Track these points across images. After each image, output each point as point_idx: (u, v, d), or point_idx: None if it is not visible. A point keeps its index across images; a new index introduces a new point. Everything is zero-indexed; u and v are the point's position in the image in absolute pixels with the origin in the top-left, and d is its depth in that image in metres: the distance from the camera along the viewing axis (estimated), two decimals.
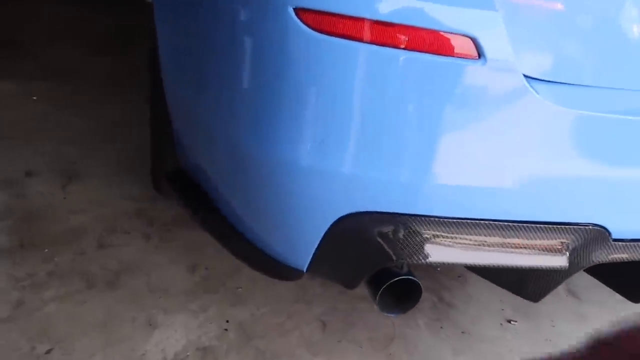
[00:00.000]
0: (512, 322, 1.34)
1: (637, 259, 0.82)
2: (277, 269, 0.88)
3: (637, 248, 0.81)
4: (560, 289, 1.51)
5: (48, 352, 1.08)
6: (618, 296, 1.40)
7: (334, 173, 0.71)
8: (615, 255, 0.81)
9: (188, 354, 1.12)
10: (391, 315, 0.87)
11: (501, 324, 1.33)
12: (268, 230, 0.86)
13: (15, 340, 1.09)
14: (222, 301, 1.27)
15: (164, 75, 1.04)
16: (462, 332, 1.29)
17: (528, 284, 0.86)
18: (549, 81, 0.68)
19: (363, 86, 0.66)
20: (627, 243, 0.80)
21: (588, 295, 1.49)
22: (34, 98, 2.49)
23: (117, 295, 1.25)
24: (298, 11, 0.64)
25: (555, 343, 1.29)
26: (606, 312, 1.43)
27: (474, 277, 1.50)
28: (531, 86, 0.66)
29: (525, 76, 0.66)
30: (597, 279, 1.15)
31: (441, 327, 1.29)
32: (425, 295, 1.38)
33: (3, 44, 3.42)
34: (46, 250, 1.38)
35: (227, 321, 1.22)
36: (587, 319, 1.40)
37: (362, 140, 0.69)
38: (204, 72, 0.84)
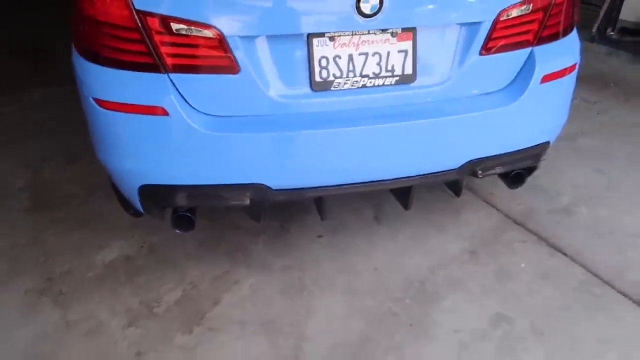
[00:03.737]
0: (319, 237, 2.13)
1: (292, 198, 1.62)
2: (135, 211, 1.76)
3: (290, 193, 1.59)
4: (370, 216, 2.26)
5: (45, 260, 2.03)
6: (407, 219, 2.14)
7: (128, 169, 1.55)
8: (279, 197, 1.59)
9: (116, 259, 2.03)
10: (178, 231, 1.69)
11: (314, 240, 2.13)
12: (126, 194, 1.72)
13: (32, 256, 2.05)
14: (147, 232, 2.16)
15: None
16: (286, 244, 2.11)
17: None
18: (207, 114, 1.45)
19: (124, 129, 1.47)
20: (283, 190, 1.58)
21: (387, 221, 2.24)
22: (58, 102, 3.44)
23: (87, 230, 2.19)
24: (94, 99, 1.47)
25: (344, 250, 2.07)
26: (391, 231, 2.17)
27: (312, 211, 2.29)
28: (193, 122, 1.44)
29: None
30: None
31: (274, 243, 2.12)
32: (271, 223, 2.20)
33: (39, 52, 4.41)
34: (55, 210, 2.34)
35: (145, 242, 2.12)
36: (375, 234, 2.16)
37: (135, 154, 1.51)
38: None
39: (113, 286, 1.89)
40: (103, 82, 1.46)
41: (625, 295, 1.84)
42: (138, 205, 1.67)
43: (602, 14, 4.42)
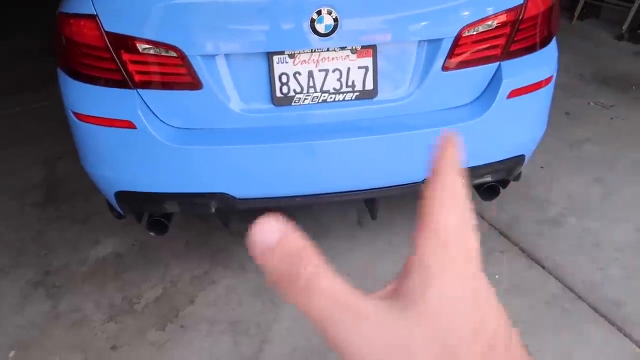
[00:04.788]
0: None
1: (257, 207, 1.69)
2: (118, 214, 1.88)
3: (254, 201, 1.67)
4: (353, 219, 2.31)
5: (45, 254, 2.20)
6: (389, 224, 2.18)
7: (105, 177, 1.67)
8: (244, 206, 1.67)
9: (108, 256, 2.18)
10: (152, 234, 1.80)
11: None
12: (107, 198, 1.84)
13: (35, 249, 2.23)
14: (140, 231, 2.30)
15: None
16: None
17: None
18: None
19: (98, 140, 1.59)
20: (248, 200, 1.66)
21: (369, 225, 2.29)
22: None
23: (87, 226, 2.35)
24: (72, 112, 1.59)
25: (323, 254, 2.14)
26: (371, 236, 2.22)
27: (301, 215, 2.36)
28: (158, 135, 1.54)
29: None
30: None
31: None
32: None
33: None
34: (62, 206, 2.52)
35: (136, 240, 2.26)
36: (355, 238, 2.21)
37: (110, 163, 1.63)
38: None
39: (102, 281, 2.04)
40: (79, 96, 1.58)
41: (597, 312, 1.82)
42: (117, 208, 1.79)
43: (633, 11, 4.25)
